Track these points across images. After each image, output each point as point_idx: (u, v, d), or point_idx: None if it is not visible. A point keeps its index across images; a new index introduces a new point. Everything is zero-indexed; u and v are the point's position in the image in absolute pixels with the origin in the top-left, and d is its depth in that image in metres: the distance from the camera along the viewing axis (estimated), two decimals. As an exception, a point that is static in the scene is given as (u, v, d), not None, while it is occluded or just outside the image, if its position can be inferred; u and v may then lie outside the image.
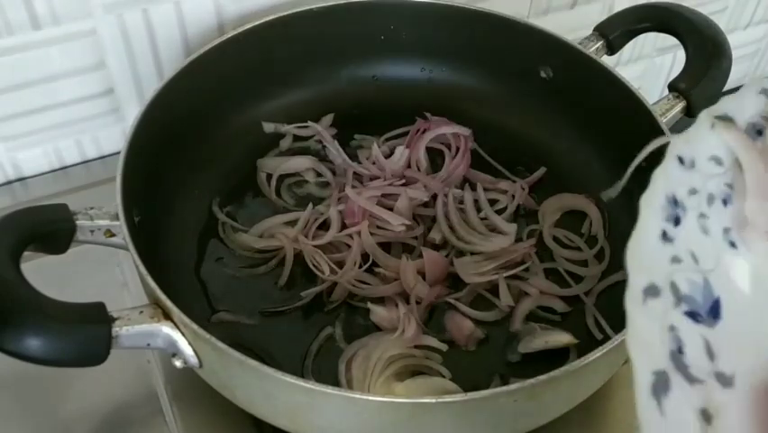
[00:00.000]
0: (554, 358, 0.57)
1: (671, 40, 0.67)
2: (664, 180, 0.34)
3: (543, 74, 0.72)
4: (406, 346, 0.56)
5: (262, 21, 0.67)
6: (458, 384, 0.55)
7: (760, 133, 0.35)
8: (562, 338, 0.58)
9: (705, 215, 0.34)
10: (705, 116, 0.35)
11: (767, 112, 0.35)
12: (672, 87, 0.64)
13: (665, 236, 0.33)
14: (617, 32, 0.69)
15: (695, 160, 0.34)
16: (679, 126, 0.63)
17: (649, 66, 0.97)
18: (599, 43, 0.69)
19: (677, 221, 0.33)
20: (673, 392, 0.30)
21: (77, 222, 0.51)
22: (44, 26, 0.65)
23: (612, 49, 0.69)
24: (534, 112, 0.73)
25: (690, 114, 0.64)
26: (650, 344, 0.31)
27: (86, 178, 0.74)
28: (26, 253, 0.47)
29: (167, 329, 0.48)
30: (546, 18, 0.86)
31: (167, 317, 0.48)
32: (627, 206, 0.65)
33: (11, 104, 0.68)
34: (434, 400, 0.44)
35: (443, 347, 0.57)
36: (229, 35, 0.66)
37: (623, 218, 0.66)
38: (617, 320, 0.58)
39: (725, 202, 0.35)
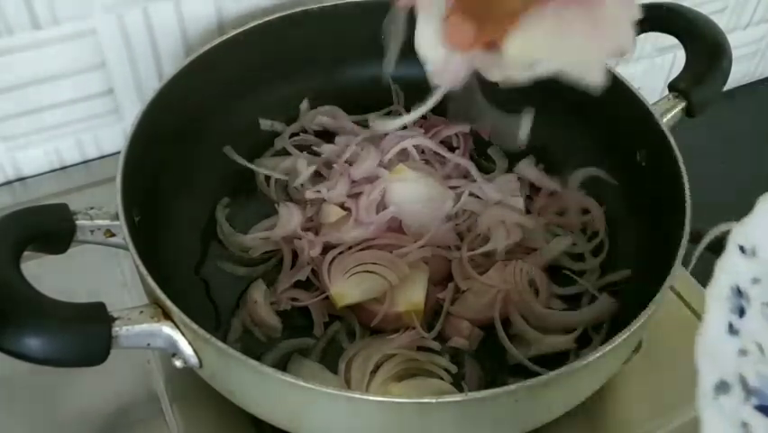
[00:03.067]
0: (554, 358, 0.57)
1: (671, 40, 0.67)
2: (728, 271, 0.33)
3: (543, 74, 0.71)
4: (406, 348, 0.56)
5: (262, 21, 0.67)
6: (458, 386, 0.55)
7: None
8: (560, 343, 0.58)
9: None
10: (764, 201, 0.34)
11: None
12: (672, 87, 0.64)
13: (731, 329, 0.32)
14: (617, 32, 0.69)
15: (756, 248, 0.34)
16: (679, 127, 0.63)
17: (649, 66, 0.97)
18: (599, 43, 0.69)
19: (742, 312, 0.33)
20: None
21: (77, 222, 0.51)
22: (44, 26, 0.65)
23: (612, 49, 0.69)
24: (534, 112, 0.73)
25: (690, 114, 0.64)
26: None
27: (86, 178, 0.74)
28: (26, 253, 0.47)
29: (167, 329, 0.48)
30: (546, 18, 0.86)
31: (167, 317, 0.48)
32: (627, 202, 0.66)
33: (11, 104, 0.68)
34: (434, 401, 0.44)
35: (437, 346, 0.57)
36: (229, 35, 0.66)
37: (623, 215, 0.66)
38: (615, 320, 0.59)
39: None
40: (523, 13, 0.39)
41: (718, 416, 0.30)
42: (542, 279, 0.61)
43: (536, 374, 0.46)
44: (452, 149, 0.71)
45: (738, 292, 0.33)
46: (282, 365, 0.57)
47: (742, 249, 0.34)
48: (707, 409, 0.31)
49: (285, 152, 0.71)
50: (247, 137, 0.71)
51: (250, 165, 0.69)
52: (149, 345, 0.48)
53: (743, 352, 0.32)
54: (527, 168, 0.71)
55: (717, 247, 0.33)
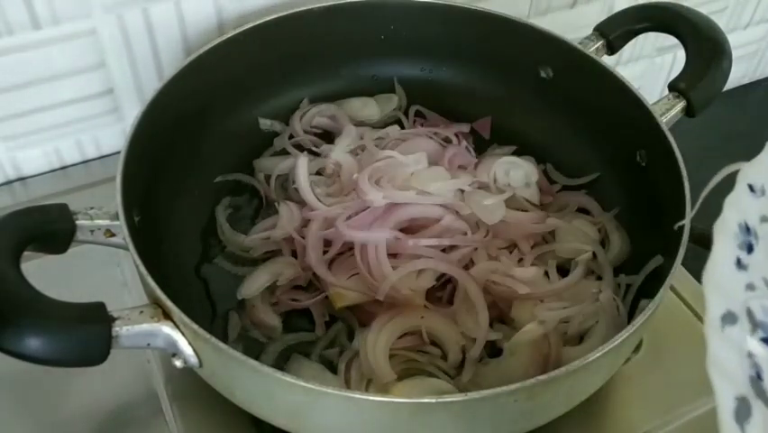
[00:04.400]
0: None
1: (671, 40, 0.67)
2: (736, 208, 0.34)
3: (543, 74, 0.72)
4: (406, 349, 0.56)
5: (262, 21, 0.67)
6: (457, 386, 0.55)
7: None
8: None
9: None
10: None
11: None
12: (672, 87, 0.64)
13: (740, 264, 0.33)
14: (617, 32, 0.69)
15: (765, 187, 0.35)
16: (679, 126, 0.63)
17: (649, 66, 0.97)
18: (599, 43, 0.69)
19: (750, 248, 0.34)
20: (755, 418, 0.30)
21: (77, 222, 0.51)
22: (44, 26, 0.65)
23: (612, 49, 0.69)
24: (534, 112, 0.73)
25: (690, 114, 0.64)
26: (730, 370, 0.31)
27: (86, 178, 0.74)
28: (26, 253, 0.47)
29: (167, 329, 0.48)
30: (546, 18, 0.86)
31: (167, 316, 0.48)
32: (627, 202, 0.66)
33: (11, 104, 0.68)
34: (434, 400, 0.44)
35: (437, 352, 0.57)
36: (229, 35, 0.66)
37: (623, 214, 0.66)
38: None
39: None
40: None
41: (725, 344, 0.31)
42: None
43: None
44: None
45: (747, 229, 0.34)
46: (283, 360, 0.57)
47: (751, 188, 0.34)
48: (713, 337, 0.31)
49: (285, 152, 0.71)
50: (247, 137, 0.71)
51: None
52: (149, 345, 0.48)
53: (750, 286, 0.33)
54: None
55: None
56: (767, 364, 0.32)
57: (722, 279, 0.32)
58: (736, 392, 0.30)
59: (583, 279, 0.61)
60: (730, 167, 0.35)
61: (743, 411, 0.30)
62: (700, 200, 0.37)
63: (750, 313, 0.32)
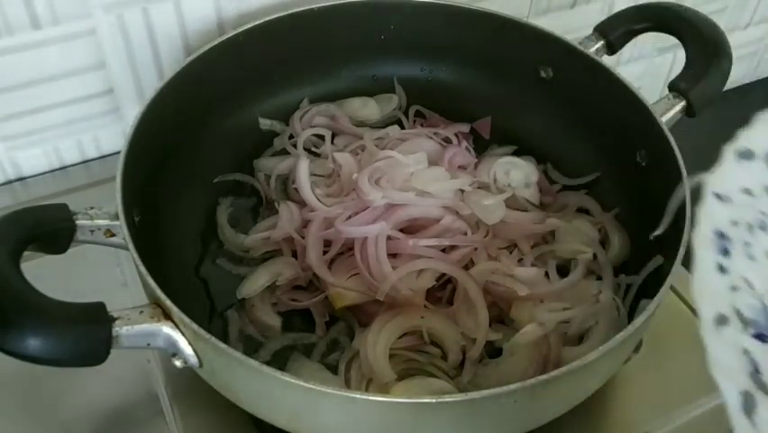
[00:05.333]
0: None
1: (671, 40, 0.67)
2: (707, 217, 0.36)
3: (543, 74, 0.72)
4: (406, 349, 0.56)
5: (262, 21, 0.67)
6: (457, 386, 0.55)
7: None
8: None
9: (748, 243, 0.37)
10: (729, 152, 0.38)
11: None
12: (672, 86, 0.64)
13: (721, 268, 0.35)
14: (617, 32, 0.69)
15: (729, 194, 0.37)
16: (679, 127, 0.63)
17: (649, 66, 0.97)
18: (599, 43, 0.69)
19: (726, 252, 0.36)
20: (760, 408, 0.32)
21: (77, 222, 0.51)
22: (44, 26, 0.65)
23: (612, 49, 0.69)
24: (534, 112, 0.73)
25: (689, 113, 0.64)
26: (731, 368, 0.33)
27: (86, 178, 0.74)
28: (26, 253, 0.47)
29: (167, 329, 0.48)
30: (546, 18, 0.86)
31: (167, 317, 0.48)
32: (627, 202, 0.66)
33: (11, 104, 0.68)
34: (434, 400, 0.44)
35: (437, 353, 0.57)
36: (229, 35, 0.66)
37: (623, 215, 0.66)
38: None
39: (762, 228, 0.37)
40: None
41: (722, 345, 0.33)
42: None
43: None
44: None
45: (721, 235, 0.36)
46: (281, 359, 0.57)
47: (718, 196, 0.37)
48: (710, 339, 0.33)
49: (285, 152, 0.71)
50: (247, 137, 0.71)
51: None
52: (149, 345, 0.48)
53: (734, 288, 0.35)
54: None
55: None
56: (763, 358, 0.33)
57: (708, 285, 0.35)
58: (739, 388, 0.32)
59: (583, 279, 0.61)
60: (691, 180, 0.38)
61: (748, 404, 0.32)
62: (670, 215, 0.44)
63: (739, 313, 0.34)
